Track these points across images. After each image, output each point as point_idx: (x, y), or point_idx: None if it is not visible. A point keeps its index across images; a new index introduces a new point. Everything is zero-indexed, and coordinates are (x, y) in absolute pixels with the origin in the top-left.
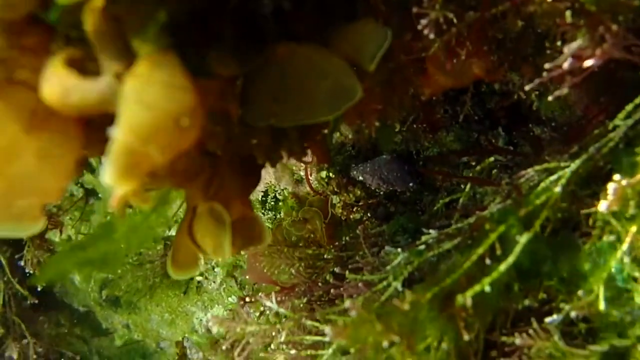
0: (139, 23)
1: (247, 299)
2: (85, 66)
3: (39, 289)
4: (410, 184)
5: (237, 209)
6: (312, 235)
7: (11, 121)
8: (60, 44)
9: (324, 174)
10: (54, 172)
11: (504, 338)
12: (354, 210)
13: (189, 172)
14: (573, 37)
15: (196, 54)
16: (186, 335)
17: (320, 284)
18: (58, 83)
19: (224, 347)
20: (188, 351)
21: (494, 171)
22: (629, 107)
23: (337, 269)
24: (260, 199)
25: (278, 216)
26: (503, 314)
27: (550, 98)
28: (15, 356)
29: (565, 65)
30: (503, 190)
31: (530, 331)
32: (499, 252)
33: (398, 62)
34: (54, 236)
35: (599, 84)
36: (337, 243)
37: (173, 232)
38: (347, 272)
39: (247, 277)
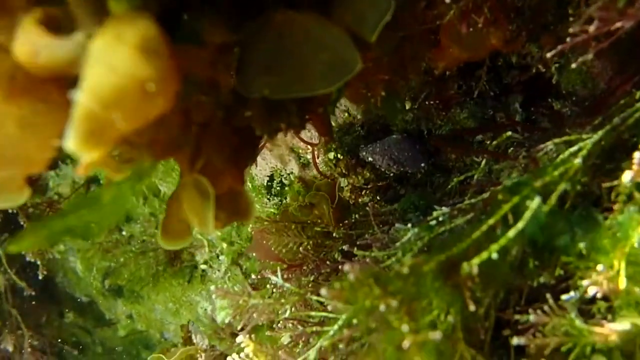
0: None
1: (254, 278)
2: (63, 25)
3: (39, 278)
4: (422, 165)
5: (227, 181)
6: (319, 221)
7: None
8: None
9: (331, 155)
10: (37, 142)
11: (517, 316)
12: (363, 193)
13: (171, 143)
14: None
15: (188, 18)
16: (191, 320)
17: (328, 262)
18: (28, 41)
19: (227, 320)
20: (193, 336)
21: (510, 149)
22: None
23: (345, 247)
24: (265, 184)
25: (284, 201)
26: (517, 291)
27: (573, 66)
28: (10, 349)
29: (591, 28)
30: (520, 164)
31: (546, 308)
32: (511, 223)
33: (409, 31)
34: (56, 213)
35: (625, 52)
36: (346, 221)
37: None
38: (355, 248)
39: (254, 254)
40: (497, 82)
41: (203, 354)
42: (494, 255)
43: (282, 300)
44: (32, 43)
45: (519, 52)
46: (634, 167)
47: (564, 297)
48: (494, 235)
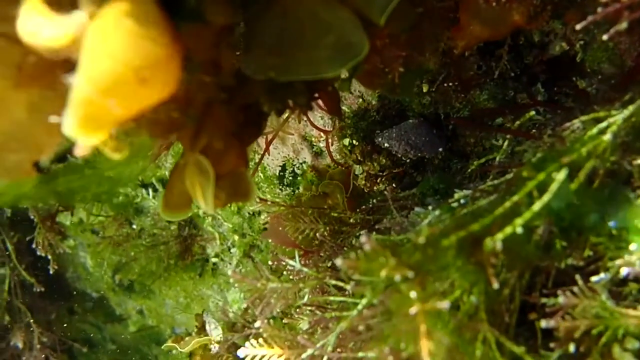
0: None
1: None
2: (65, 5)
3: (50, 273)
4: (440, 149)
5: (231, 160)
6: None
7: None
8: None
9: (346, 141)
10: (45, 127)
11: (544, 299)
12: (378, 181)
13: (172, 123)
14: None
15: None
16: (205, 310)
17: (345, 248)
18: (29, 20)
19: (244, 307)
20: (207, 326)
21: (533, 131)
22: None
23: (364, 232)
24: (277, 174)
25: (297, 191)
26: (543, 273)
27: (605, 37)
28: (20, 345)
29: None
30: (545, 143)
31: (575, 290)
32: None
33: (428, 6)
34: (65, 219)
35: None
36: (363, 207)
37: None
38: (373, 233)
39: (269, 240)
40: (518, 62)
41: (217, 345)
42: (519, 230)
43: (301, 285)
44: (33, 22)
45: (542, 29)
46: None
47: (593, 278)
48: (519, 212)
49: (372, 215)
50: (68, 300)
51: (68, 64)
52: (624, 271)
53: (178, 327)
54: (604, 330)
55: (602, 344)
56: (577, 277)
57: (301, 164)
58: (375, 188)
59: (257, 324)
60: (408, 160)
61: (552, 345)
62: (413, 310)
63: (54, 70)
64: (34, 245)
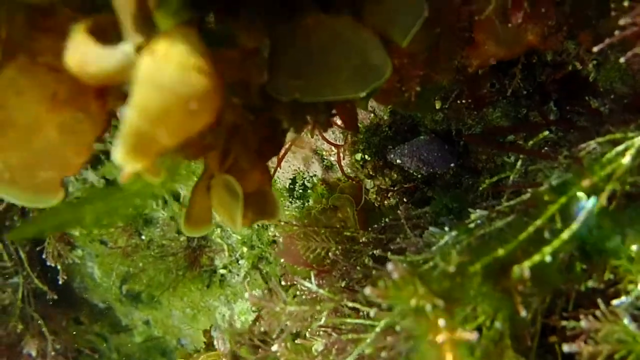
0: None
1: (283, 283)
2: (110, 34)
3: (59, 283)
4: (451, 165)
5: (255, 179)
6: (342, 224)
7: (35, 101)
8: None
9: (359, 156)
10: (75, 147)
11: (564, 322)
12: (389, 195)
13: (204, 145)
14: None
15: (221, 22)
16: (213, 325)
17: (358, 267)
18: (78, 50)
19: (260, 330)
20: (215, 341)
21: (545, 149)
22: None
23: (377, 252)
24: (287, 186)
25: (307, 204)
26: (563, 296)
27: (622, 60)
28: (34, 353)
29: None
30: (561, 164)
31: (598, 313)
32: (559, 225)
33: (445, 26)
34: (75, 230)
35: None
36: (375, 226)
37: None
38: (388, 253)
39: (282, 259)
40: (531, 81)
41: None
42: (548, 258)
43: (318, 307)
44: (82, 53)
45: (556, 49)
46: None
47: (614, 302)
48: (542, 237)
49: (384, 234)
50: (74, 310)
51: (100, 89)
52: None
53: (184, 338)
54: (627, 355)
55: None
56: (599, 300)
57: (312, 177)
58: (385, 202)
59: (275, 347)
60: (419, 176)
61: None
62: (440, 338)
63: (85, 94)
64: (44, 256)
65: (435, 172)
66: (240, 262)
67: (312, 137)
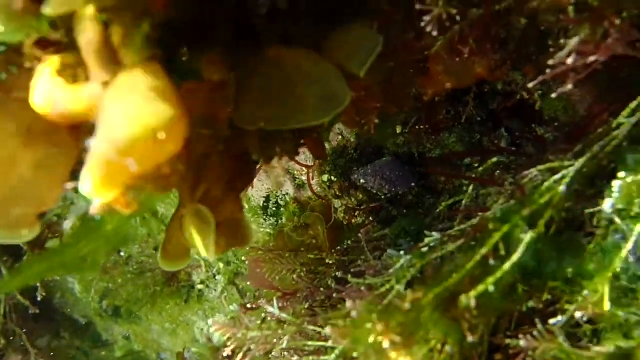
0: (125, 32)
1: (249, 306)
2: (77, 72)
3: (38, 299)
4: (412, 184)
5: (228, 208)
6: (314, 241)
7: (11, 136)
8: (52, 51)
9: (325, 177)
10: (48, 182)
11: (508, 340)
12: (356, 214)
13: (175, 177)
14: (576, 34)
15: (188, 57)
16: (187, 346)
17: (322, 289)
18: (46, 90)
19: (225, 354)
20: None
21: (497, 173)
22: (633, 104)
23: (339, 274)
24: (262, 204)
25: (280, 222)
26: (507, 316)
27: (553, 95)
28: None
29: (569, 61)
30: (506, 190)
31: (535, 333)
32: (502, 252)
33: (399, 61)
34: (55, 245)
35: (602, 82)
36: (338, 247)
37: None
38: (349, 276)
39: (249, 283)
40: (484, 108)
41: None
42: (491, 288)
43: (280, 331)
44: (49, 93)
45: (504, 79)
46: (613, 194)
47: (551, 321)
48: (487, 265)
49: (347, 256)
50: (55, 325)
51: (74, 126)
52: (578, 314)
53: (164, 353)
54: None
55: None
56: (537, 321)
57: (284, 195)
58: (353, 221)
59: None
60: (383, 196)
61: None
62: None
63: (59, 130)
64: None
65: (397, 192)
66: (217, 277)
67: (279, 160)
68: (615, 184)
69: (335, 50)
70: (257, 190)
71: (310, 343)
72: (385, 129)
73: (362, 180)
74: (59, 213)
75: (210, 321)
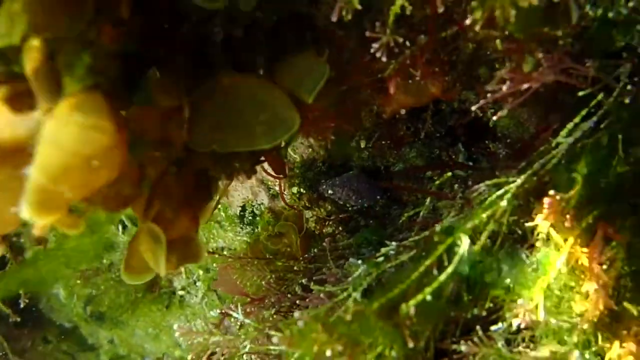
0: (67, 63)
1: (221, 312)
2: (28, 100)
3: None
4: (378, 197)
5: (182, 225)
6: (288, 249)
7: None
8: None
9: (295, 189)
10: (12, 204)
11: (454, 346)
12: (327, 224)
13: (126, 197)
14: (520, 60)
15: (141, 82)
16: (166, 353)
17: (289, 295)
18: None
19: (189, 358)
20: None
21: (456, 186)
22: (570, 125)
23: (304, 281)
24: (238, 213)
25: (256, 230)
26: (454, 323)
27: (495, 118)
28: None
29: (504, 88)
30: (457, 204)
31: (475, 339)
32: (446, 263)
33: (351, 84)
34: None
35: (545, 103)
36: (306, 255)
37: None
38: (312, 283)
39: (218, 288)
40: (442, 124)
41: None
42: (428, 298)
43: (242, 336)
44: None
45: (459, 98)
46: (544, 210)
47: (492, 328)
48: (432, 275)
49: (313, 263)
50: (42, 329)
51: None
52: (515, 322)
53: (148, 357)
54: None
55: None
56: (477, 327)
57: (259, 205)
58: (324, 230)
59: None
60: (350, 207)
61: None
62: None
63: (21, 155)
64: None
65: (363, 204)
66: (197, 284)
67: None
68: (546, 201)
69: (285, 77)
70: (234, 200)
71: (272, 347)
72: (342, 144)
73: (329, 192)
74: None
75: (175, 326)
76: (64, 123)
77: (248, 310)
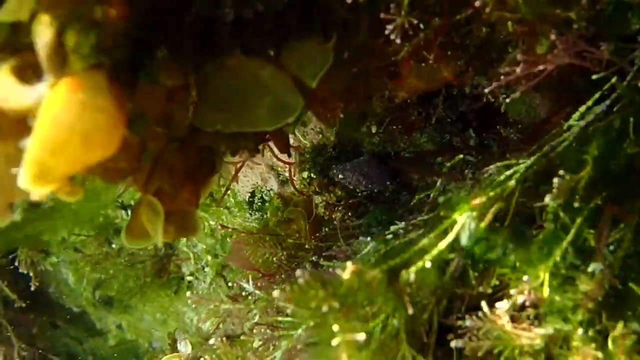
0: (75, 40)
1: (231, 286)
2: (37, 71)
3: (32, 290)
4: (387, 183)
5: (182, 199)
6: (297, 235)
7: None
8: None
9: (305, 174)
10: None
11: (459, 322)
12: (336, 209)
13: (126, 170)
14: (533, 42)
15: (148, 63)
16: (178, 329)
17: None
18: (1, 87)
19: (200, 325)
20: (178, 344)
21: (466, 170)
22: (582, 108)
23: (314, 258)
24: (247, 199)
25: (265, 216)
26: (459, 300)
27: (508, 100)
28: (1, 359)
29: (518, 70)
30: (467, 185)
31: (480, 314)
32: (451, 237)
33: (362, 66)
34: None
35: (557, 87)
36: (317, 234)
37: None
38: (321, 259)
39: (231, 263)
40: (453, 109)
41: None
42: (428, 265)
43: (252, 306)
44: (4, 89)
45: (471, 84)
46: (554, 190)
47: (497, 304)
48: (435, 247)
49: (324, 242)
50: (51, 314)
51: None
52: (519, 299)
53: (155, 342)
54: (503, 349)
55: None
56: (483, 303)
57: (269, 191)
58: (334, 215)
59: (211, 341)
60: (361, 193)
61: None
62: (335, 342)
63: (24, 126)
64: (16, 263)
65: (373, 189)
66: (205, 269)
67: (262, 155)
68: (556, 181)
69: (290, 62)
70: (243, 186)
71: (280, 319)
72: (349, 123)
73: (340, 176)
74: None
75: (187, 293)
76: (64, 100)
77: (259, 284)
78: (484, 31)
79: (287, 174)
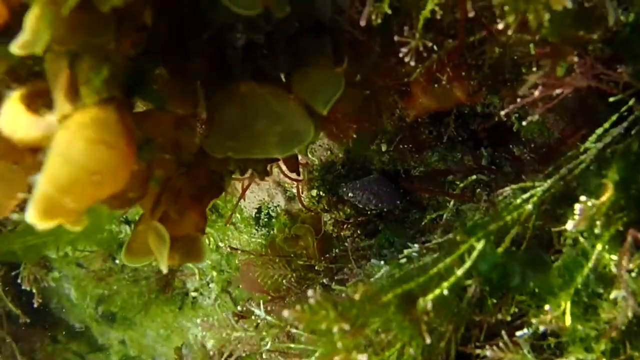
0: (86, 73)
1: (240, 310)
2: (47, 101)
3: (34, 306)
4: (397, 202)
5: (188, 226)
6: (304, 252)
7: None
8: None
9: (314, 192)
10: (8, 193)
11: (478, 351)
12: (345, 227)
13: (131, 197)
14: (547, 65)
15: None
16: (184, 343)
17: None
18: (9, 116)
19: (211, 353)
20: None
21: (478, 190)
22: (599, 131)
23: (325, 281)
24: (254, 215)
25: (271, 232)
26: (478, 327)
27: (524, 123)
28: None
29: (536, 93)
30: (482, 207)
31: (501, 344)
32: (468, 263)
33: (374, 88)
34: (52, 253)
35: (573, 108)
36: (327, 255)
37: None
38: (333, 283)
39: (240, 285)
40: (465, 128)
41: None
42: (445, 292)
43: (263, 333)
44: (12, 119)
45: (483, 102)
46: (575, 217)
47: (518, 333)
48: (452, 272)
49: (335, 264)
50: (52, 329)
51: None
52: (541, 328)
53: (159, 357)
54: None
55: None
56: (503, 332)
57: (275, 207)
58: (342, 233)
59: None
60: (369, 212)
61: None
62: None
63: (20, 150)
64: (19, 280)
65: (383, 208)
66: (210, 285)
67: (270, 173)
68: (577, 207)
69: (301, 88)
70: (250, 202)
71: (292, 345)
72: (362, 143)
73: (350, 194)
74: None
75: (198, 320)
76: (75, 136)
77: (269, 308)
78: (497, 52)
79: (294, 190)
